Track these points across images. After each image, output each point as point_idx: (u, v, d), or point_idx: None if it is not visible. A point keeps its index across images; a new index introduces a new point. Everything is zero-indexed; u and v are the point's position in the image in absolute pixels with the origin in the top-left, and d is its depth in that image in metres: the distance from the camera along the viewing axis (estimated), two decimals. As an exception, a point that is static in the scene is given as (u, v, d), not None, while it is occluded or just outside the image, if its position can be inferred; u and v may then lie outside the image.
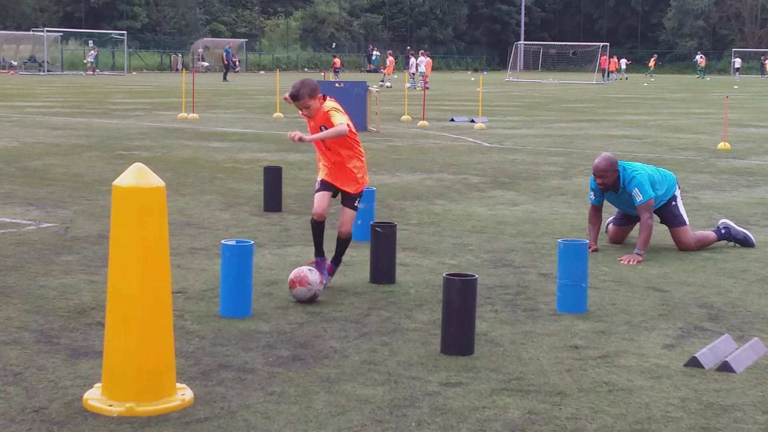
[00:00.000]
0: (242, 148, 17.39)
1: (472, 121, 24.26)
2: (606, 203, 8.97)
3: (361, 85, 22.08)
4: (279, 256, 8.16)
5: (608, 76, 69.25)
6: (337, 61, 63.00)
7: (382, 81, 49.80)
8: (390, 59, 51.99)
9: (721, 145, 18.68)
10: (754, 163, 16.43)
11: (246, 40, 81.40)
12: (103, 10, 79.56)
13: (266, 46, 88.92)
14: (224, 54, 59.94)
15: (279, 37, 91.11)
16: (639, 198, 8.54)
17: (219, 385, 4.97)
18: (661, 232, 9.19)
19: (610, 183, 8.63)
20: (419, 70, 48.03)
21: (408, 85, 47.39)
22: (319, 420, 4.54)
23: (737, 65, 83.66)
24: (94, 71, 64.13)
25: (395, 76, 58.93)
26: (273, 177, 10.59)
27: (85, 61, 66.21)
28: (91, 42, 72.38)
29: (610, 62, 70.81)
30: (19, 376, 5.04)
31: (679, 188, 9.08)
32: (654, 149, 18.33)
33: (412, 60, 52.74)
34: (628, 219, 8.96)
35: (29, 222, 9.61)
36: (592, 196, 8.83)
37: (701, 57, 79.12)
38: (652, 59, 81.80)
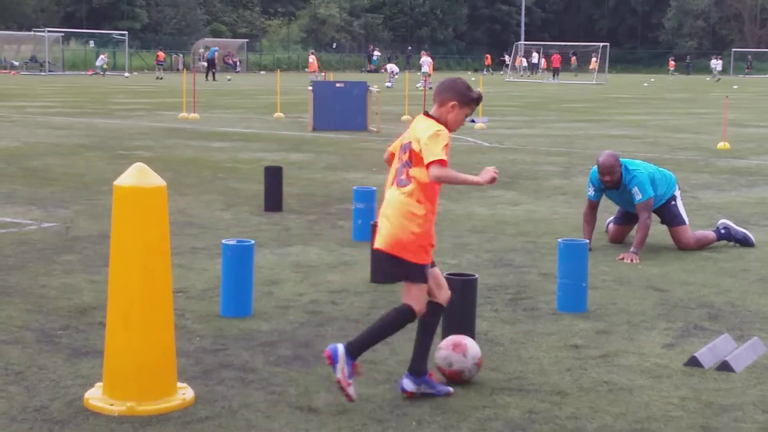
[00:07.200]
0: (243, 147, 17.40)
1: (473, 121, 24.22)
2: (606, 202, 8.99)
3: (361, 85, 22.09)
4: (279, 256, 8.17)
5: (556, 75, 68.97)
6: (161, 54, 62.84)
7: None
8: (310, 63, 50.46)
9: (721, 145, 18.68)
10: (754, 163, 16.43)
11: (247, 40, 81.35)
12: (104, 10, 79.59)
13: (266, 46, 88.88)
14: (207, 53, 60.58)
15: (280, 38, 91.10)
16: (638, 197, 8.56)
17: (220, 385, 4.97)
18: (661, 232, 9.20)
19: (617, 179, 8.64)
20: (422, 70, 47.98)
21: (387, 84, 47.38)
22: (320, 419, 4.55)
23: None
24: (103, 73, 63.90)
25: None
26: (274, 177, 10.60)
27: (96, 65, 65.86)
28: (92, 42, 72.32)
29: (518, 58, 70.42)
30: (20, 376, 5.05)
31: (679, 188, 9.09)
32: (654, 149, 18.33)
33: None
34: (628, 218, 8.97)
35: (30, 222, 9.62)
36: (591, 192, 8.79)
37: (716, 60, 78.97)
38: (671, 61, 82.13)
